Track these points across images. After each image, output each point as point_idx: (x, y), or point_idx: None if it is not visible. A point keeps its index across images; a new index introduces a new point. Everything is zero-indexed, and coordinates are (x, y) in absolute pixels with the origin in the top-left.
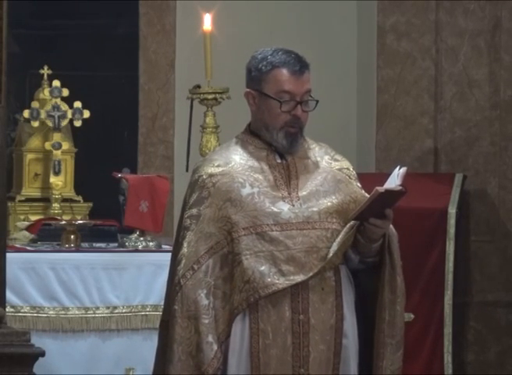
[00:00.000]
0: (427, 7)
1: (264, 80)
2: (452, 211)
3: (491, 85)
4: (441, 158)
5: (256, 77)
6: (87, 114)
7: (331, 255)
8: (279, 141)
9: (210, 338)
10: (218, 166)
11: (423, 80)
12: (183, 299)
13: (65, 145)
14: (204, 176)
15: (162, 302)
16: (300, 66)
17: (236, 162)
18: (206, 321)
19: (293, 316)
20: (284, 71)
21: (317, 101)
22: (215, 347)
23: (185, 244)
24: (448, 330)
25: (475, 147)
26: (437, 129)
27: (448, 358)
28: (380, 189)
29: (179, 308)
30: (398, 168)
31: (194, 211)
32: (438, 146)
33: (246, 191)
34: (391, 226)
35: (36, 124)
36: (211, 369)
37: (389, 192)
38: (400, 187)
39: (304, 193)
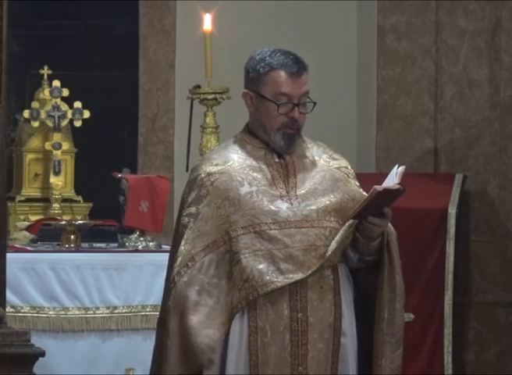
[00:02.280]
0: (427, 7)
1: (261, 81)
2: (452, 211)
3: (491, 85)
4: (441, 158)
5: (254, 78)
6: (87, 114)
7: (329, 253)
8: (276, 141)
9: (201, 335)
10: (216, 164)
11: (423, 80)
12: (175, 296)
13: (65, 145)
14: (203, 175)
15: None
16: (297, 67)
17: (234, 161)
18: (196, 318)
19: (291, 315)
20: (282, 73)
21: (314, 103)
22: (207, 344)
23: (182, 242)
24: (448, 330)
25: (475, 147)
26: (437, 129)
27: (448, 358)
28: (378, 188)
29: (172, 304)
30: (396, 167)
31: (193, 209)
32: (438, 146)
33: (244, 189)
34: (390, 224)
35: (36, 124)
36: (204, 366)
37: (387, 191)
38: (399, 186)
39: (303, 191)
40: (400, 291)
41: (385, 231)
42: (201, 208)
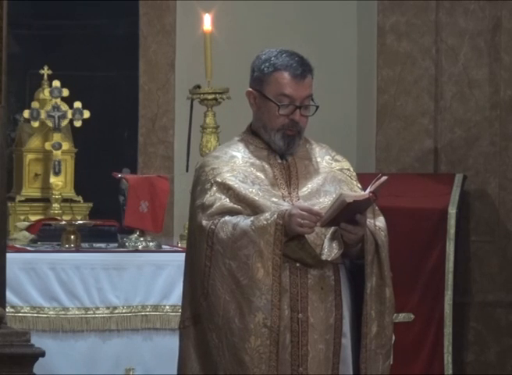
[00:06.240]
0: (427, 7)
1: (265, 81)
2: (452, 211)
3: (491, 85)
4: (441, 158)
5: (258, 78)
6: (87, 114)
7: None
8: (276, 142)
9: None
10: (220, 161)
11: (423, 80)
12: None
13: (65, 145)
14: (207, 170)
15: (162, 302)
16: (302, 70)
17: (238, 159)
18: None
19: (292, 315)
20: (285, 74)
21: (317, 107)
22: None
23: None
24: (448, 330)
25: (475, 147)
26: (437, 129)
27: (448, 358)
28: (348, 199)
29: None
30: (379, 176)
31: (198, 202)
32: (438, 146)
33: (247, 186)
34: (383, 235)
35: (36, 124)
36: None
37: (356, 202)
38: (369, 195)
39: (305, 193)
40: (390, 304)
41: (365, 237)
42: (206, 198)
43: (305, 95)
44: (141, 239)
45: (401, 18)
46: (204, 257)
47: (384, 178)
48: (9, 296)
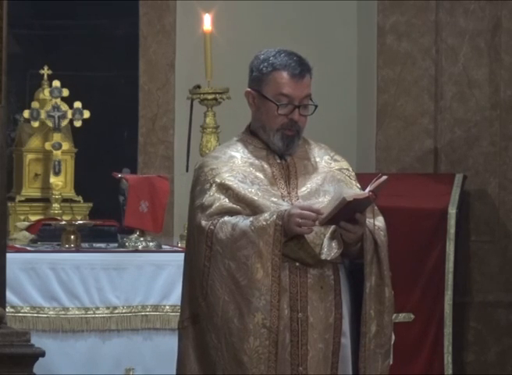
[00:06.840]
0: (427, 7)
1: (263, 81)
2: (452, 211)
3: (491, 85)
4: (441, 158)
5: (256, 78)
6: (87, 114)
7: (336, 251)
8: (275, 142)
9: None
10: (219, 161)
11: (423, 80)
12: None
13: (65, 145)
14: (206, 170)
15: (162, 302)
16: (300, 69)
17: (237, 159)
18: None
19: (291, 314)
20: (284, 74)
21: (316, 106)
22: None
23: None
24: (448, 330)
25: (475, 147)
26: (437, 129)
27: (448, 358)
28: (348, 198)
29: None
30: (379, 175)
31: (198, 202)
32: (438, 146)
33: (246, 186)
34: (382, 234)
35: (36, 124)
36: None
37: (356, 200)
38: (368, 194)
39: (304, 192)
40: (389, 303)
41: (365, 237)
42: (206, 199)
43: (304, 95)
44: (141, 239)
45: (401, 18)
46: (204, 257)
47: (384, 178)
48: (9, 296)
